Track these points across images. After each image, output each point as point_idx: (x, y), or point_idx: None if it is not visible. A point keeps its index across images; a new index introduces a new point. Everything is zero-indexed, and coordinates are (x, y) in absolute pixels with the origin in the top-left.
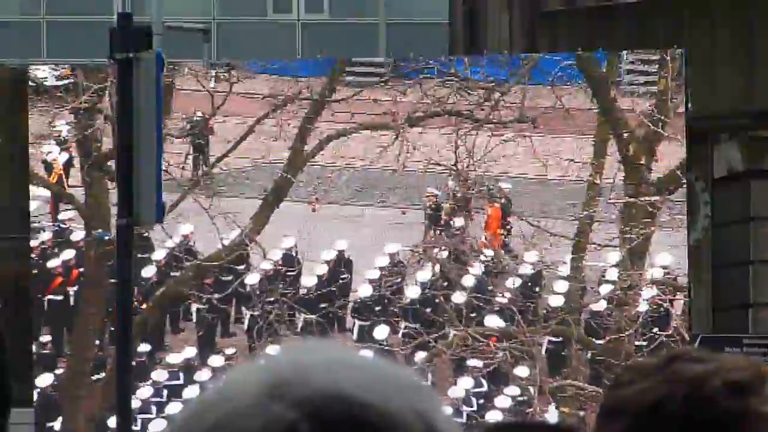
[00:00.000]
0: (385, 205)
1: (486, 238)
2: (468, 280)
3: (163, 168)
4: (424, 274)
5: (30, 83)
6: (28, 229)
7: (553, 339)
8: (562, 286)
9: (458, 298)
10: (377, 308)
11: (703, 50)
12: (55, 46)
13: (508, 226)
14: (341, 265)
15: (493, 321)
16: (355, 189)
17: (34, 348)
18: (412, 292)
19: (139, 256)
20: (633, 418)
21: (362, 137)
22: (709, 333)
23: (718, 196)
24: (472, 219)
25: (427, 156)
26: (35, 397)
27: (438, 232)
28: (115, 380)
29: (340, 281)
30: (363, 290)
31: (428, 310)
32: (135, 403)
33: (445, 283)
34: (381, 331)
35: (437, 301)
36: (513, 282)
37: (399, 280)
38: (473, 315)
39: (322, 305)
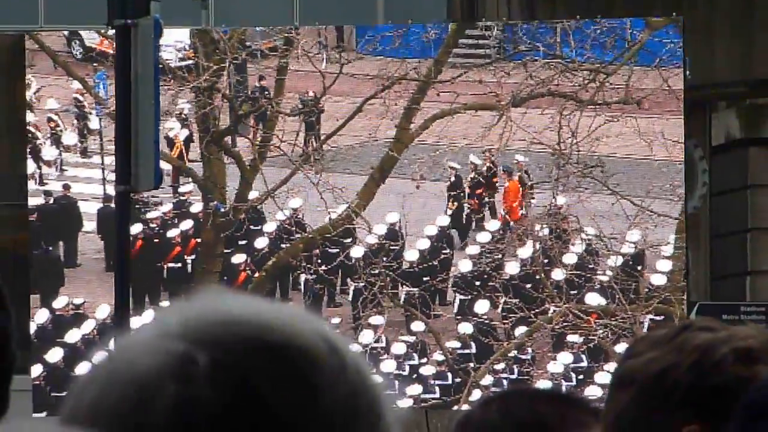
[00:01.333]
0: None
1: (504, 211)
2: (569, 258)
3: (276, 144)
4: (525, 251)
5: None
6: (25, 197)
7: (655, 317)
8: (664, 265)
9: (558, 275)
10: (477, 283)
11: (701, 18)
12: (53, 12)
13: (528, 199)
14: (443, 240)
15: (593, 299)
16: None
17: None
18: (512, 268)
19: (252, 228)
20: (640, 386)
21: (466, 117)
22: (707, 301)
23: (716, 165)
24: (496, 192)
25: (530, 136)
26: None
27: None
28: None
29: (442, 256)
30: (463, 265)
31: (528, 285)
32: None
33: (546, 260)
34: (481, 306)
35: (537, 277)
36: (615, 260)
37: (499, 256)
38: (574, 292)
39: (425, 278)
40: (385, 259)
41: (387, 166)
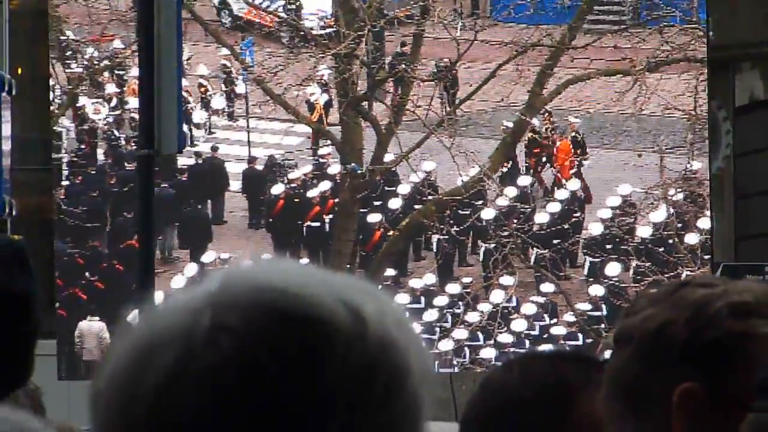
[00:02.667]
0: (619, 148)
1: (555, 169)
2: (704, 222)
3: (411, 109)
4: (658, 215)
5: (298, 31)
6: (50, 161)
7: None
8: None
9: (693, 239)
10: (608, 246)
11: None
12: None
13: (580, 158)
14: (574, 203)
15: None
16: (591, 132)
17: None
18: (644, 232)
19: (387, 189)
20: (638, 343)
21: (599, 82)
22: (732, 262)
23: (740, 125)
24: (552, 153)
25: (665, 101)
26: None
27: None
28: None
29: (573, 219)
30: (594, 228)
31: (661, 249)
32: None
33: (680, 225)
34: (613, 268)
35: (671, 241)
36: None
37: (631, 220)
38: (708, 257)
39: (555, 241)
40: (515, 221)
41: (518, 130)
